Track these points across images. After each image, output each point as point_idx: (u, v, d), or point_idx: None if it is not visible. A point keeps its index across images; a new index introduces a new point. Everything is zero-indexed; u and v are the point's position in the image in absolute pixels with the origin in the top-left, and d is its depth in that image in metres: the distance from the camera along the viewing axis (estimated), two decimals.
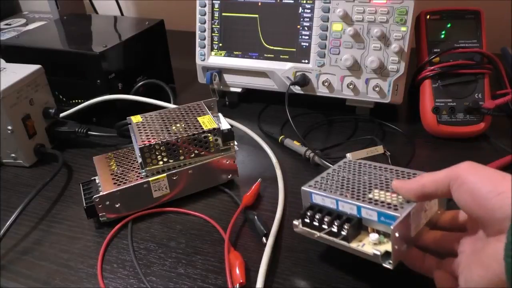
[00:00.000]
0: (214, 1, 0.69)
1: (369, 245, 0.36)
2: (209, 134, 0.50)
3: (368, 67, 0.61)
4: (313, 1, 0.63)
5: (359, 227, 0.38)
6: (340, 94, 0.65)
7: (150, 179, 0.49)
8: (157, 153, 0.48)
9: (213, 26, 0.70)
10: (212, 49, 0.71)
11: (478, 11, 0.62)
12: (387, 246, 0.35)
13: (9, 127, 0.56)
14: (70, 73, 0.66)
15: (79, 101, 0.68)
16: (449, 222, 0.40)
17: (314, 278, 0.41)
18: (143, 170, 0.49)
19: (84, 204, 0.48)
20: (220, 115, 0.56)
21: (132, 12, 1.21)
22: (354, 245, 0.36)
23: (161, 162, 0.49)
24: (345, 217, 0.37)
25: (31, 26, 1.00)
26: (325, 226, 0.38)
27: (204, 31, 0.70)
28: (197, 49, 0.72)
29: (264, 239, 0.45)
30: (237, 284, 0.40)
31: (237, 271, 0.41)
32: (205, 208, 0.51)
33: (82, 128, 0.63)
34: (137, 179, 0.49)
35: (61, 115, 0.66)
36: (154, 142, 0.48)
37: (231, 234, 0.46)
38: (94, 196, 0.47)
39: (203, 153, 0.51)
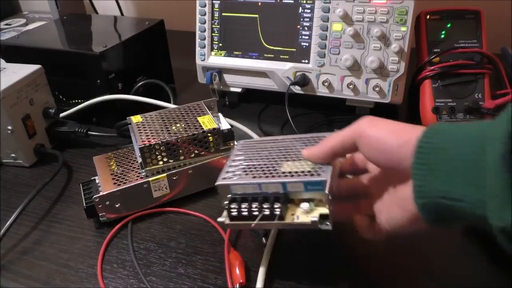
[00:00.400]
0: (214, 1, 0.69)
1: (302, 215, 0.37)
2: (209, 134, 0.50)
3: (368, 67, 0.61)
4: (313, 1, 0.63)
5: (287, 201, 0.38)
6: (340, 94, 0.65)
7: (150, 179, 0.49)
8: (157, 153, 0.48)
9: (213, 26, 0.70)
10: (212, 49, 0.71)
11: (478, 11, 0.62)
12: (320, 210, 0.36)
13: (9, 127, 0.56)
14: (70, 73, 0.66)
15: (79, 101, 0.68)
16: (350, 167, 0.43)
17: (314, 278, 0.41)
18: (143, 170, 0.49)
19: (84, 204, 0.48)
20: (220, 115, 0.56)
21: (132, 12, 1.21)
22: (289, 220, 0.37)
23: (161, 162, 0.49)
24: (272, 197, 0.37)
25: (31, 26, 1.00)
26: (256, 213, 0.37)
27: (204, 31, 0.70)
28: (197, 49, 0.72)
29: (264, 239, 0.45)
30: (237, 284, 0.40)
31: (237, 271, 0.41)
32: (205, 208, 0.51)
33: (82, 128, 0.63)
34: (137, 179, 0.49)
35: (61, 115, 0.66)
36: (154, 142, 0.48)
37: (231, 234, 0.46)
38: (94, 196, 0.47)
39: (203, 153, 0.51)
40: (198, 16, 0.70)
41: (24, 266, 0.45)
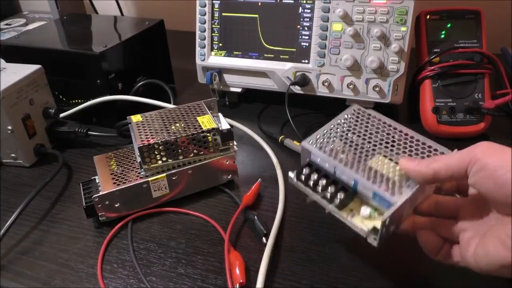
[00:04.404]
0: (214, 1, 0.69)
1: (359, 217, 0.36)
2: (208, 134, 0.50)
3: (368, 67, 0.61)
4: (313, 1, 0.63)
5: (352, 196, 0.37)
6: (340, 94, 0.65)
7: (149, 179, 0.49)
8: (156, 152, 0.48)
9: (213, 26, 0.70)
10: (212, 49, 0.71)
11: (478, 11, 0.62)
12: (376, 222, 0.35)
13: (9, 127, 0.56)
14: (70, 73, 0.66)
15: (79, 101, 0.68)
16: (450, 186, 0.38)
17: (314, 278, 0.41)
18: (142, 169, 0.49)
19: (84, 204, 0.48)
20: (220, 115, 0.56)
21: (132, 12, 1.21)
22: (344, 214, 0.36)
23: (160, 162, 0.49)
24: (340, 185, 0.37)
25: (31, 26, 1.00)
26: (319, 189, 0.37)
27: (204, 31, 0.70)
28: (197, 49, 0.72)
29: (264, 239, 0.45)
30: (237, 284, 0.40)
31: (237, 271, 0.41)
32: (205, 208, 0.51)
33: (82, 128, 0.63)
34: (136, 179, 0.49)
35: (61, 115, 0.66)
36: (153, 142, 0.48)
37: (231, 234, 0.46)
38: (94, 196, 0.47)
39: (202, 152, 0.51)
40: (198, 16, 0.70)
41: (24, 266, 0.45)
